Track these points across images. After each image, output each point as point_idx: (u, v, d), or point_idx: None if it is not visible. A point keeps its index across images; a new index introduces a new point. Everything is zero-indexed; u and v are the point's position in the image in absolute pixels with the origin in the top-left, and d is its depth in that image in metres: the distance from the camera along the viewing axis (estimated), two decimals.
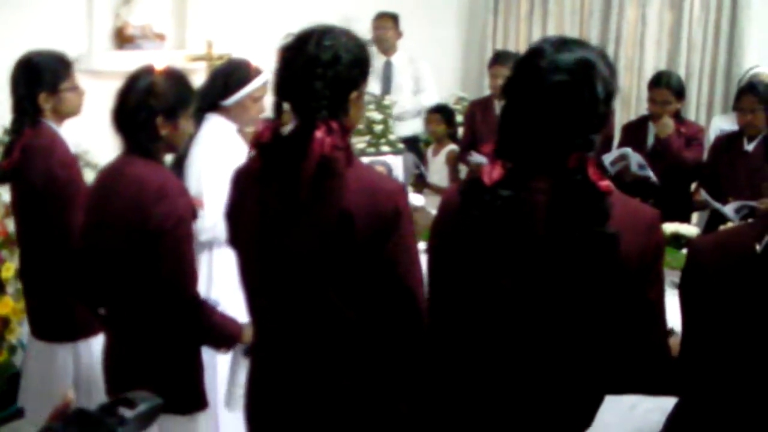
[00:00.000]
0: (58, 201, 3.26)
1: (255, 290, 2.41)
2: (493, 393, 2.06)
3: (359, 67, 2.28)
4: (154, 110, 2.79)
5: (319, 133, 2.16)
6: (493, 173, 1.94)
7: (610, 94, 1.96)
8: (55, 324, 3.45)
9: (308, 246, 2.23)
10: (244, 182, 2.38)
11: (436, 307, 2.18)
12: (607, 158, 5.26)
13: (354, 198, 2.19)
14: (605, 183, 1.91)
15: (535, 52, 1.97)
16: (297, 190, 2.19)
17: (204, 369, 2.93)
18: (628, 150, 5.33)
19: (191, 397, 2.88)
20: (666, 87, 5.38)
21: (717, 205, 4.96)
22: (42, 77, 3.43)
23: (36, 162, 3.34)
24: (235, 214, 2.41)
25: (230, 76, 3.77)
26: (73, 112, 3.55)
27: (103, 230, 2.83)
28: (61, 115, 3.50)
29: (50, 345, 3.47)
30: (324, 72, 2.20)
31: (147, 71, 2.86)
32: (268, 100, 2.46)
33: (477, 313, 2.04)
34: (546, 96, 1.92)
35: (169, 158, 3.20)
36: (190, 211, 2.78)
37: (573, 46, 1.97)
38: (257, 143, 2.28)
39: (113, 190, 2.81)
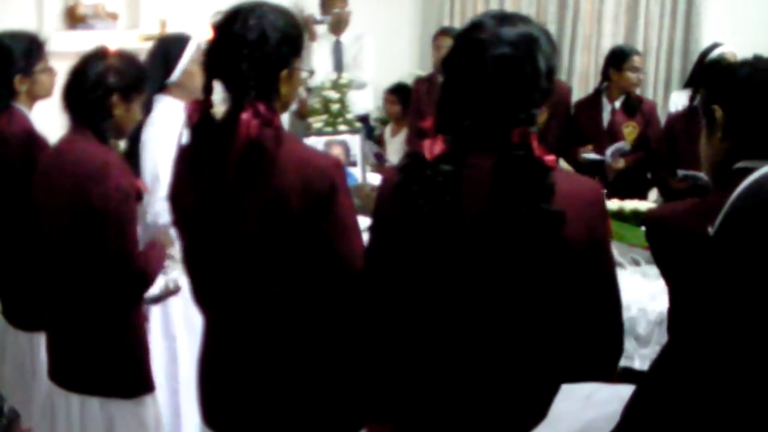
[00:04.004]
0: None
1: (197, 271, 2.38)
2: (442, 382, 2.02)
3: (288, 44, 2.22)
4: (111, 88, 2.77)
5: (245, 116, 2.12)
6: (434, 148, 1.91)
7: (551, 70, 1.95)
8: (33, 312, 3.33)
9: (244, 229, 2.20)
10: (182, 164, 2.34)
11: (375, 288, 2.12)
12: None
13: (287, 178, 2.14)
14: (550, 158, 1.89)
15: (477, 26, 1.95)
16: (226, 174, 2.15)
17: (150, 351, 2.89)
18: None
19: (137, 380, 2.84)
20: (637, 54, 5.59)
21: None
22: (15, 60, 3.37)
23: (16, 149, 3.27)
24: (175, 195, 2.37)
25: (167, 52, 3.73)
26: (47, 93, 3.49)
27: (48, 210, 2.80)
28: (35, 98, 3.47)
29: (29, 334, 3.38)
30: (250, 53, 2.14)
31: (103, 51, 2.84)
32: None
33: (419, 295, 2.00)
34: (488, 69, 1.89)
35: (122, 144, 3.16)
36: (133, 190, 2.75)
37: (515, 20, 1.95)
38: (188, 125, 2.24)
39: (57, 171, 2.78)
